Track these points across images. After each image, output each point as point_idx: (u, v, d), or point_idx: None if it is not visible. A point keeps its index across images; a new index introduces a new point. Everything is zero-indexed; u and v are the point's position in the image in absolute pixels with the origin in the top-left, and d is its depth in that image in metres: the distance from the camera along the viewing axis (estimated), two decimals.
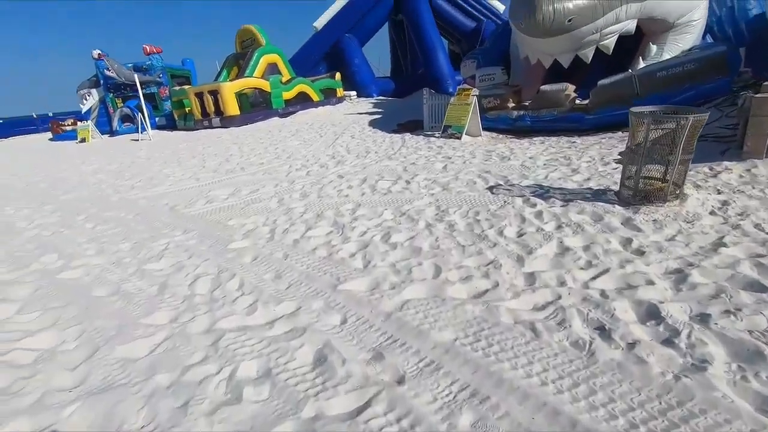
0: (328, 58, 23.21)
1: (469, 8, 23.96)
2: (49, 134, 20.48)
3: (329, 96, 19.59)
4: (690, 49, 6.93)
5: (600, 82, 7.24)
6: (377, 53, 27.28)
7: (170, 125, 18.25)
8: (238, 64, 18.55)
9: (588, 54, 7.27)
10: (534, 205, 3.57)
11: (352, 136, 9.39)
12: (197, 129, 16.02)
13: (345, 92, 20.99)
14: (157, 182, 6.14)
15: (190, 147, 10.18)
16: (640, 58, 7.60)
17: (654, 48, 7.59)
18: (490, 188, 4.26)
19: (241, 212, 4.23)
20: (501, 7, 24.35)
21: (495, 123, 8.49)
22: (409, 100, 20.06)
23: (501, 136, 8.21)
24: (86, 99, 19.84)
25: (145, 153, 9.87)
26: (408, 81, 24.17)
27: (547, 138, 7.27)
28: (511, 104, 8.41)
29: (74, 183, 6.80)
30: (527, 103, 8.39)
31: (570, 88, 7.66)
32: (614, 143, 5.94)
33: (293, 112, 17.26)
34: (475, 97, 7.99)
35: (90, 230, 4.10)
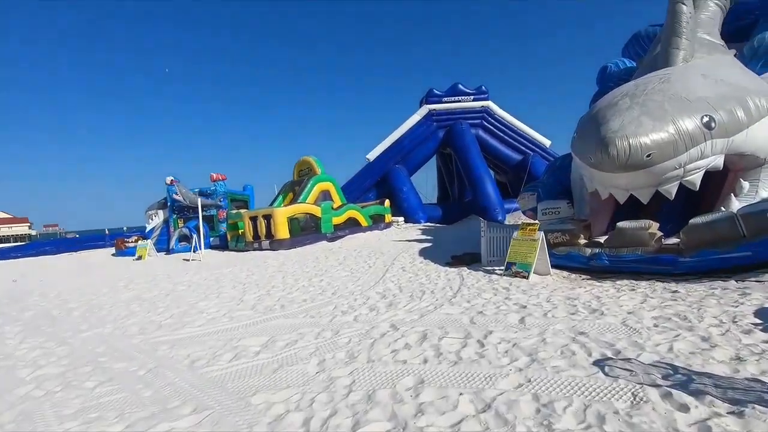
0: (378, 186, 24.22)
1: (515, 143, 24.94)
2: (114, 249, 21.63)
3: (378, 221, 19.75)
4: None
5: (693, 221, 6.31)
6: (425, 180, 28.11)
7: (223, 245, 18.74)
8: (294, 190, 19.54)
9: (671, 190, 6.51)
10: (686, 408, 2.42)
11: (403, 268, 8.70)
12: (247, 250, 16.20)
13: (393, 218, 21.20)
14: (187, 320, 5.50)
15: (234, 273, 9.85)
16: (732, 195, 6.74)
17: (747, 185, 6.75)
18: (599, 364, 3.16)
19: (271, 379, 3.33)
20: (547, 142, 25.18)
21: (565, 261, 7.56)
22: (457, 227, 19.78)
23: (573, 276, 7.19)
24: (152, 219, 21.29)
25: (188, 278, 9.61)
26: (455, 208, 24.35)
27: (635, 283, 6.16)
28: (582, 240, 7.55)
29: (104, 313, 6.33)
30: (602, 240, 7.50)
31: (654, 226, 6.76)
32: (735, 297, 4.74)
33: (342, 236, 17.27)
34: (542, 233, 7.24)
35: (87, 393, 3.33)
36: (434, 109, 24.22)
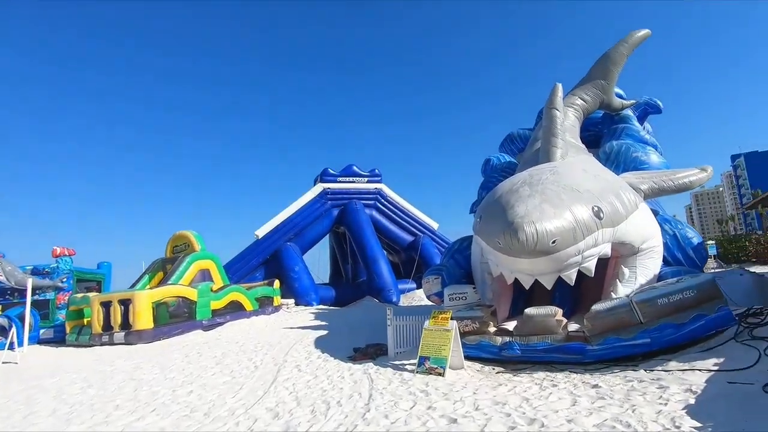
0: (267, 265, 22.36)
1: (406, 224, 25.76)
2: None
3: (265, 305, 17.72)
4: (680, 277, 6.56)
5: (595, 308, 6.41)
6: (317, 259, 26.95)
7: (59, 338, 14.65)
8: (165, 269, 16.73)
9: (572, 276, 6.64)
10: None
11: (298, 366, 7.29)
12: (93, 345, 12.77)
13: (283, 300, 19.33)
14: None
15: (61, 385, 7.28)
16: (617, 281, 7.16)
17: (627, 271, 7.26)
18: None
19: None
20: (435, 225, 26.54)
21: (476, 351, 7.06)
22: (352, 309, 18.72)
23: (487, 368, 6.68)
24: None
25: None
26: (349, 289, 23.46)
27: (551, 375, 5.83)
28: (491, 328, 7.20)
29: None
30: (510, 328, 7.25)
31: (559, 312, 6.74)
32: (655, 391, 4.57)
33: (221, 323, 14.85)
34: (455, 322, 6.71)
35: None
36: (329, 188, 24.11)
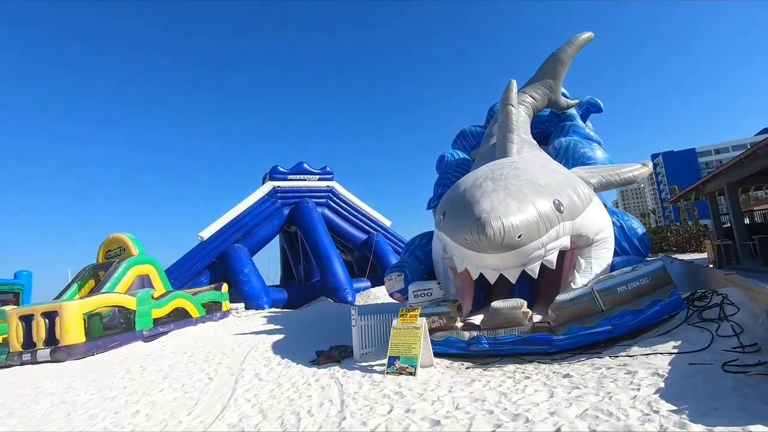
0: (213, 268, 21.09)
1: (359, 222, 25.47)
2: None
3: (213, 310, 16.67)
4: (635, 266, 6.85)
5: (559, 298, 6.54)
6: (267, 261, 25.83)
7: None
8: (97, 276, 15.21)
9: (535, 269, 6.74)
10: None
11: (258, 375, 6.79)
12: (11, 365, 11.24)
13: (231, 305, 18.32)
14: None
15: None
16: (575, 272, 7.38)
17: (584, 262, 7.50)
18: None
19: None
20: (388, 222, 26.49)
21: (444, 347, 6.97)
22: (307, 311, 18.16)
23: (456, 364, 6.60)
24: None
25: None
26: (302, 290, 22.77)
27: (521, 367, 5.86)
28: (458, 323, 7.14)
29: None
30: (476, 322, 7.24)
31: (525, 305, 6.80)
32: (625, 377, 4.69)
33: (165, 332, 13.73)
34: (424, 320, 6.56)
35: None
36: (279, 186, 23.23)
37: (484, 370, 6.05)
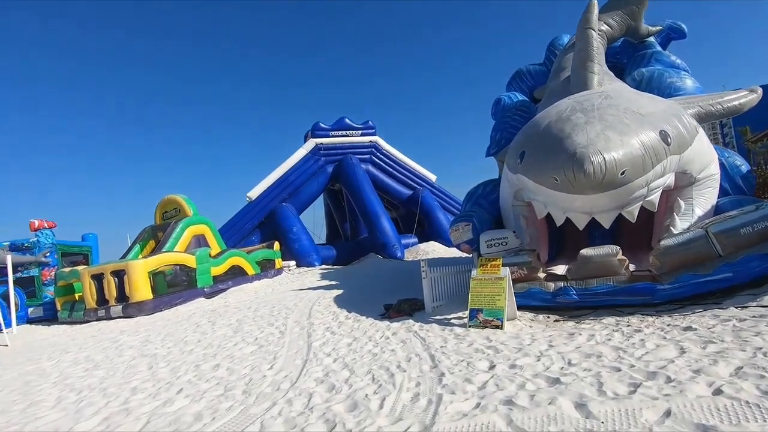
0: (262, 227, 21.35)
1: (404, 178, 24.80)
2: None
3: (267, 268, 16.92)
4: (759, 205, 5.85)
5: (664, 243, 5.72)
6: (312, 219, 25.77)
7: (49, 316, 13.74)
8: (157, 237, 15.64)
9: (634, 212, 5.92)
10: None
11: (329, 329, 6.56)
12: (88, 321, 11.90)
13: (283, 262, 18.57)
14: None
15: (62, 368, 6.45)
16: (674, 214, 6.44)
17: (683, 204, 6.54)
18: None
19: None
20: (433, 177, 25.65)
21: (526, 299, 6.41)
22: (358, 267, 18.09)
23: (540, 317, 6.05)
24: None
25: None
26: (349, 247, 22.75)
27: (624, 320, 5.20)
28: (541, 274, 6.53)
29: None
30: (558, 272, 6.59)
31: (620, 251, 6.04)
32: (763, 327, 3.96)
33: (224, 290, 14.06)
34: (508, 270, 5.99)
35: None
36: (321, 143, 22.76)
37: (578, 323, 5.46)
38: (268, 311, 8.82)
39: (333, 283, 12.81)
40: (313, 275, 15.98)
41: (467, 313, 5.94)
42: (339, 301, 9.02)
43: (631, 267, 6.15)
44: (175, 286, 12.79)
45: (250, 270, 15.90)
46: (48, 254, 14.71)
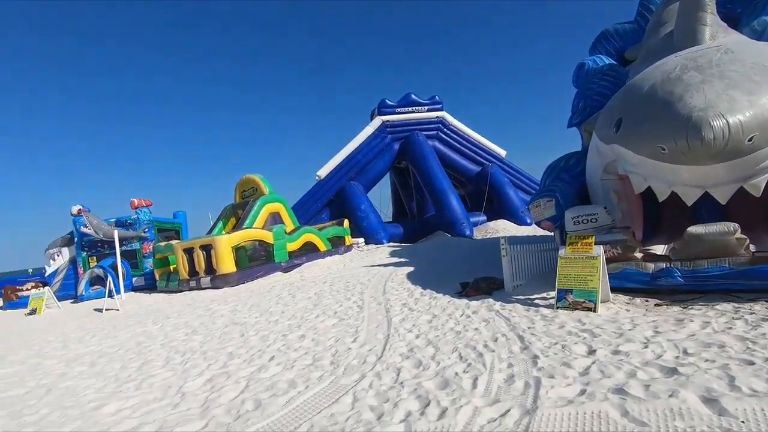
0: (331, 205, 21.93)
1: (472, 154, 24.01)
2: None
3: (337, 245, 17.41)
4: None
5: None
6: (379, 197, 25.83)
7: (149, 285, 15.33)
8: (237, 214, 16.69)
9: (759, 185, 5.10)
10: None
11: (406, 305, 6.55)
12: (182, 290, 13.10)
13: (353, 239, 18.99)
14: None
15: (166, 331, 7.11)
16: None
17: None
18: None
19: None
20: (503, 152, 24.56)
21: (620, 281, 5.87)
22: (426, 244, 18.00)
23: (638, 299, 5.52)
24: (54, 259, 17.13)
25: (95, 345, 6.73)
26: (416, 225, 22.68)
27: (742, 306, 4.57)
28: (638, 254, 5.94)
29: None
30: (658, 252, 5.95)
31: (738, 229, 5.28)
32: None
33: (298, 265, 14.72)
34: (601, 248, 5.52)
35: None
36: (388, 121, 22.62)
37: (685, 308, 4.89)
38: (343, 286, 9.05)
39: (403, 260, 12.85)
40: (382, 252, 16.17)
41: (553, 293, 5.60)
42: (412, 278, 9.00)
43: (752, 247, 5.37)
44: (255, 261, 13.63)
45: (322, 246, 16.46)
46: (146, 230, 16.31)
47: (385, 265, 11.89)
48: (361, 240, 19.67)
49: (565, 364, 3.43)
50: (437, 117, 23.28)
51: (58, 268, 16.99)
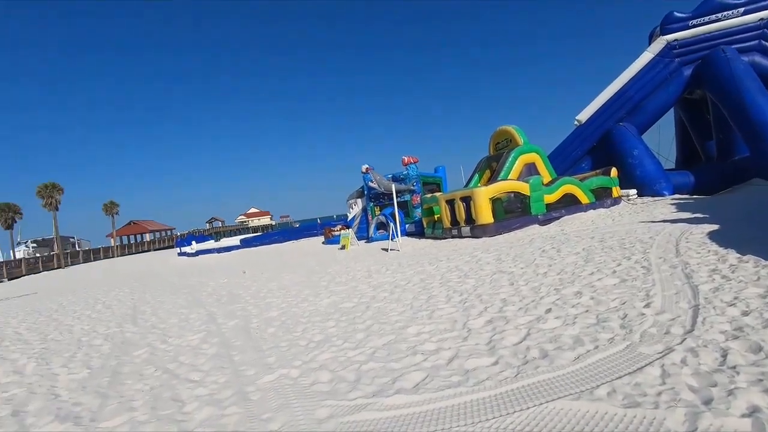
0: (593, 153, 19.42)
1: None
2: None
3: (602, 197, 15.43)
4: None
5: None
6: (658, 140, 20.90)
7: (419, 231, 17.73)
8: (491, 167, 16.94)
9: None
10: None
11: (718, 271, 5.15)
12: (445, 237, 14.56)
13: (621, 191, 16.42)
14: (398, 370, 3.64)
15: (441, 272, 8.01)
16: None
17: None
18: None
19: None
20: None
21: None
22: (733, 196, 13.76)
23: None
24: (352, 208, 21.99)
25: (389, 277, 8.25)
26: (715, 171, 17.58)
27: None
28: None
29: (296, 336, 5.13)
30: None
31: None
32: None
33: (556, 218, 13.89)
34: None
35: None
36: (676, 40, 17.76)
37: None
38: (617, 243, 7.95)
39: (699, 215, 10.20)
40: (662, 206, 13.34)
41: None
42: (718, 238, 7.03)
43: None
44: (511, 212, 13.65)
45: (584, 199, 14.94)
46: (414, 184, 18.69)
47: (672, 221, 9.74)
48: (633, 191, 16.76)
49: None
50: (760, 20, 16.69)
51: (355, 215, 21.78)
